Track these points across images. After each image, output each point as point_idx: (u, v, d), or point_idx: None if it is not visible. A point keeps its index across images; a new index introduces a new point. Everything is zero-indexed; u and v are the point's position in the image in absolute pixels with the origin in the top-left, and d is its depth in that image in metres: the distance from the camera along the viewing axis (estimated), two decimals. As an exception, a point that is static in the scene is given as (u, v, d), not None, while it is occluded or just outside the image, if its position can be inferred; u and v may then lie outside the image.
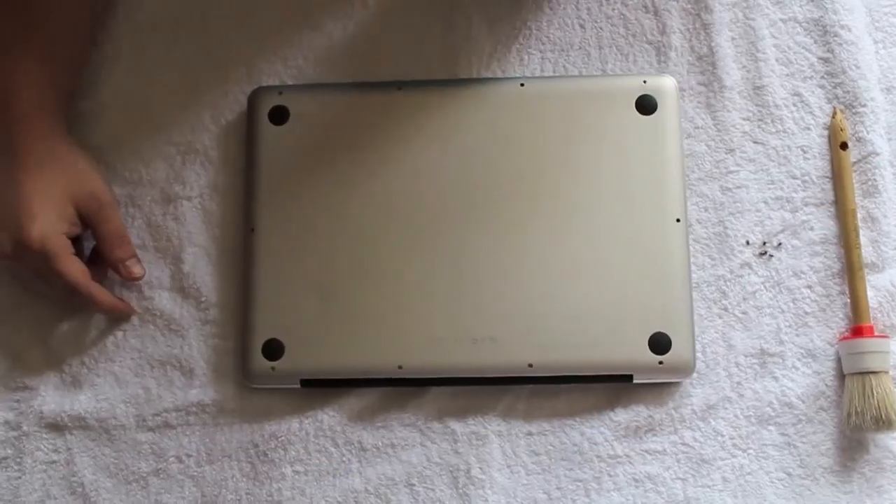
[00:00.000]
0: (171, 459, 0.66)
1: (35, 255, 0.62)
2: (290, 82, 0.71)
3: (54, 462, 0.66)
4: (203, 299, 0.68)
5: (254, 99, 0.69)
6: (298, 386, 0.65)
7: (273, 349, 0.65)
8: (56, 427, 0.67)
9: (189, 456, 0.66)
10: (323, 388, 0.66)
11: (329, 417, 0.66)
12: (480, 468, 0.65)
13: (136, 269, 0.67)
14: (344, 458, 0.65)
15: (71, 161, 0.65)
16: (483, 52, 0.71)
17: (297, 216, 0.66)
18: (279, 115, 0.68)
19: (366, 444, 0.66)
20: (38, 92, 0.64)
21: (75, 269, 0.64)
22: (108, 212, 0.66)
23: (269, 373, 0.65)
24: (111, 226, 0.66)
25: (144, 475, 0.66)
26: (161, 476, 0.66)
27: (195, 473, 0.66)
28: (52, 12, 0.65)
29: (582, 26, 0.72)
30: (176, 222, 0.69)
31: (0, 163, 0.64)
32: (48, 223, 0.63)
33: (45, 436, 0.67)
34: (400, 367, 0.64)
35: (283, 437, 0.66)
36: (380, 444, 0.65)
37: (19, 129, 0.64)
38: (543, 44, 0.72)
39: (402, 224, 0.66)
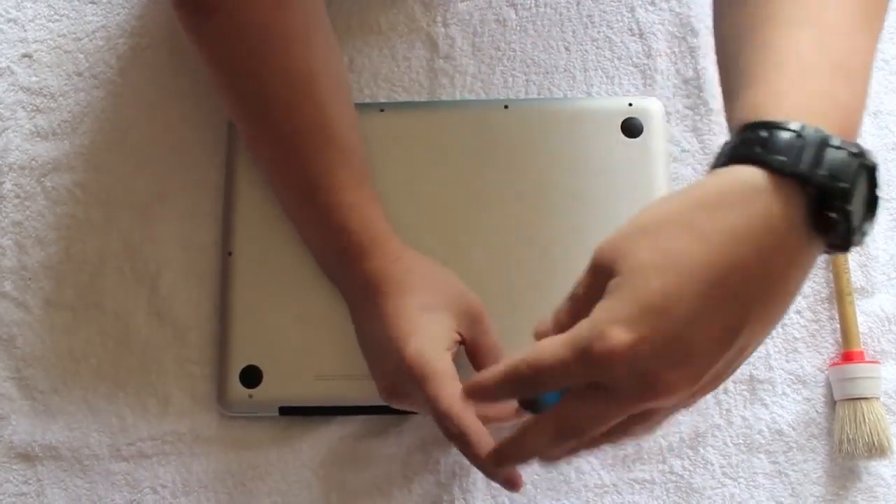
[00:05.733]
0: (146, 490, 0.64)
1: (408, 378, 0.53)
2: (270, 104, 0.70)
3: (24, 494, 0.64)
4: (180, 324, 0.66)
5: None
6: (277, 414, 0.64)
7: (251, 376, 0.63)
8: (26, 457, 0.65)
9: (164, 487, 0.64)
10: (302, 416, 0.64)
11: (308, 446, 0.64)
12: (464, 499, 0.63)
13: None
14: (324, 489, 0.64)
15: (432, 273, 0.59)
16: (466, 73, 0.71)
17: (275, 240, 0.65)
18: (259, 138, 0.67)
19: (346, 475, 0.64)
20: (377, 219, 0.59)
21: (446, 395, 0.51)
22: (485, 324, 0.57)
23: (246, 400, 0.63)
24: (489, 339, 0.57)
25: (118, 507, 0.64)
26: (135, 508, 0.64)
27: (170, 505, 0.64)
28: (351, 135, 0.61)
29: (567, 49, 0.71)
30: (154, 245, 0.68)
31: (366, 311, 0.58)
32: (427, 340, 0.54)
33: (14, 467, 0.65)
34: (381, 395, 0.62)
35: (261, 467, 0.64)
36: (360, 474, 0.64)
37: (366, 264, 0.58)
38: (528, 66, 0.71)
39: (384, 248, 0.65)
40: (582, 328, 0.41)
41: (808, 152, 0.39)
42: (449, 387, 0.52)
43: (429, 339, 0.54)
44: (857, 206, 0.40)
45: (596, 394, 0.42)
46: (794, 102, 0.41)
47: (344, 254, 0.60)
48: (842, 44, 0.43)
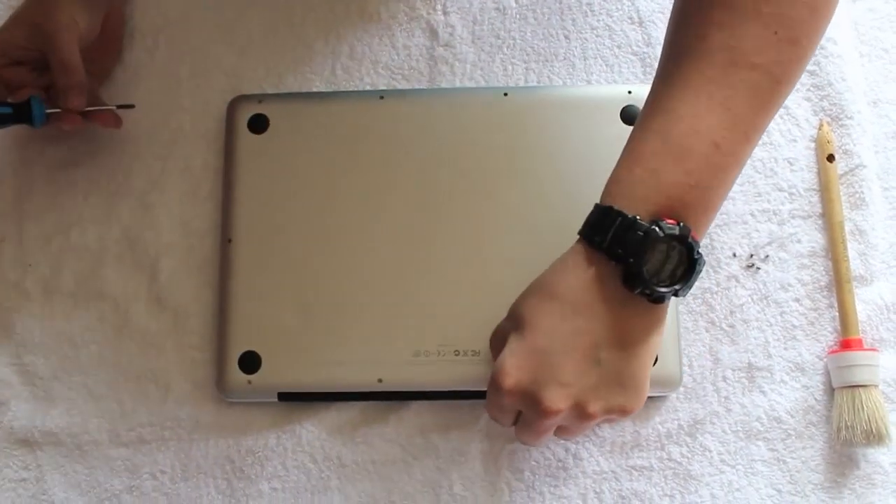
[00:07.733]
0: (146, 476, 0.64)
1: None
2: (270, 91, 0.70)
3: (24, 480, 0.65)
4: (179, 310, 0.67)
5: (233, 107, 0.68)
6: (276, 400, 0.64)
7: (250, 362, 0.63)
8: (26, 443, 0.65)
9: (164, 472, 0.64)
10: (301, 401, 0.64)
11: (307, 432, 0.64)
12: (463, 485, 0.63)
13: (75, 100, 0.63)
14: (323, 475, 0.64)
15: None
16: (466, 61, 0.71)
17: (275, 226, 0.65)
18: (259, 124, 0.67)
19: (345, 460, 0.64)
20: None
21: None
22: (53, 41, 0.63)
23: (245, 386, 0.63)
24: (56, 55, 0.63)
25: (117, 493, 0.64)
26: (134, 493, 0.64)
27: (170, 490, 0.64)
28: None
29: (566, 37, 0.71)
30: (153, 231, 0.68)
31: None
32: None
33: (14, 452, 0.65)
34: (380, 381, 0.62)
35: (260, 453, 0.64)
36: (360, 459, 0.64)
37: None
38: (528, 54, 0.71)
39: (383, 235, 0.65)
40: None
41: (616, 233, 0.52)
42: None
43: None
44: (659, 270, 0.52)
45: (522, 418, 0.56)
46: (622, 189, 0.53)
47: None
48: (682, 129, 0.52)
